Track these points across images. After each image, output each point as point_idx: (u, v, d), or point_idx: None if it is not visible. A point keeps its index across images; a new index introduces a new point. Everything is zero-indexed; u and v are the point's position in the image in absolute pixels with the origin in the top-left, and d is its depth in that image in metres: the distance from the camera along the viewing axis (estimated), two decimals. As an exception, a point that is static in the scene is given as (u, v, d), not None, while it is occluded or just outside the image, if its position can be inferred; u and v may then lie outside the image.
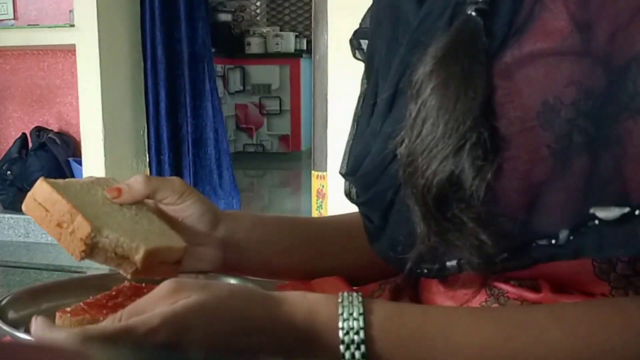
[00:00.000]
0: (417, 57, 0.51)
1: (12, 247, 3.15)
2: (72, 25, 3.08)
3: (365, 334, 0.46)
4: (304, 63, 6.08)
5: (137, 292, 0.59)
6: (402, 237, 0.54)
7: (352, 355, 0.46)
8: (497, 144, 0.46)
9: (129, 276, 0.55)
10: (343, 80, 2.41)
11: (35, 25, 3.25)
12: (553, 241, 0.46)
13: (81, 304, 0.55)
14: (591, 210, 0.44)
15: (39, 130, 3.37)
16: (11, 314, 0.56)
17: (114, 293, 0.59)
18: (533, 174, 0.46)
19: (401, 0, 0.59)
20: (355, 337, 0.46)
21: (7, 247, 3.15)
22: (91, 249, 0.54)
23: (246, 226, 0.66)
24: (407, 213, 0.51)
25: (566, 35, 0.45)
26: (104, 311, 0.53)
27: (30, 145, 3.37)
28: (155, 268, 0.56)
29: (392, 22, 0.61)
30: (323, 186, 2.51)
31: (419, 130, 0.48)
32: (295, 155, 6.23)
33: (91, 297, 0.58)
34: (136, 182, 0.61)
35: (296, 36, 6.44)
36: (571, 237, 0.45)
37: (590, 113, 0.44)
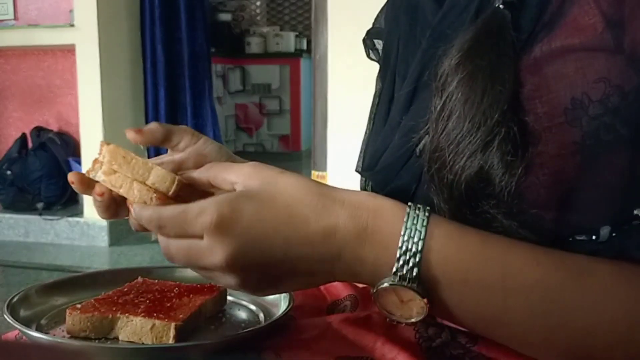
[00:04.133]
0: (442, 50, 0.50)
1: (12, 247, 3.15)
2: (72, 25, 3.07)
3: (424, 244, 0.45)
4: (304, 63, 6.07)
5: (148, 288, 0.59)
6: None
7: (406, 261, 0.45)
8: (527, 139, 0.46)
9: (102, 177, 0.53)
10: (343, 80, 2.41)
11: (35, 25, 3.25)
12: (593, 237, 0.46)
13: (92, 300, 0.55)
14: (635, 212, 0.44)
15: (38, 130, 3.37)
16: (22, 312, 0.57)
17: (125, 289, 0.59)
18: (562, 170, 0.45)
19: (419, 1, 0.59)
20: (414, 247, 0.45)
21: (7, 247, 3.15)
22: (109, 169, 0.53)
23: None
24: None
25: (599, 32, 0.45)
26: (114, 308, 0.53)
27: (30, 145, 3.37)
28: (131, 186, 0.53)
29: (409, 20, 0.61)
30: (323, 186, 2.51)
31: (444, 125, 0.48)
32: (295, 155, 6.22)
33: (102, 294, 0.58)
34: (152, 125, 0.62)
35: (296, 36, 6.44)
36: (613, 234, 0.45)
37: (619, 110, 0.44)
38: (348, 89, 2.41)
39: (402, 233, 0.45)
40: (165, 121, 3.44)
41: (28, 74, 3.48)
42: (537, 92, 0.46)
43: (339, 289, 0.70)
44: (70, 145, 3.38)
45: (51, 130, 3.39)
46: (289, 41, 6.29)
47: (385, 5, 0.68)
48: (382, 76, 0.67)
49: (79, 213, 3.22)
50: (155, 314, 0.52)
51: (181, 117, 3.53)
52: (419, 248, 0.45)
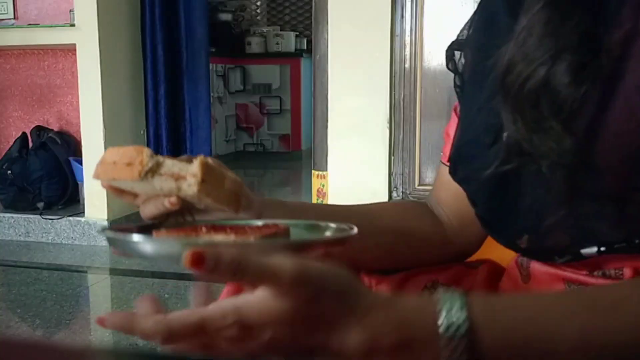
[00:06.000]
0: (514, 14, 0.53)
1: (13, 247, 3.16)
2: (73, 25, 3.08)
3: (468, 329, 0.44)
4: (304, 62, 6.08)
5: (222, 227, 0.59)
6: (522, 221, 0.57)
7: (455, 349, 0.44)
8: (601, 62, 0.48)
9: (195, 189, 0.55)
10: (343, 80, 2.41)
11: (36, 25, 3.25)
12: None
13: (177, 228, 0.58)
14: None
15: (39, 130, 3.37)
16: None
17: (208, 225, 0.59)
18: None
19: (497, 13, 0.61)
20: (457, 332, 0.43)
21: (8, 247, 3.15)
22: (151, 171, 0.55)
23: (273, 204, 0.67)
24: (524, 191, 0.53)
25: None
26: (197, 231, 0.55)
27: (30, 144, 3.37)
28: (218, 193, 0.56)
29: (486, 31, 0.64)
30: (323, 185, 2.51)
31: (524, 41, 0.51)
32: (295, 155, 6.23)
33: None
34: (182, 158, 0.61)
35: (296, 36, 6.44)
36: None
37: None
38: (348, 89, 2.41)
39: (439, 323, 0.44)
40: (165, 120, 3.44)
41: (28, 74, 3.48)
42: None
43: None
44: (70, 145, 3.38)
45: (52, 130, 3.40)
46: (289, 41, 6.30)
47: (470, 18, 0.70)
48: (460, 88, 0.70)
49: (80, 213, 3.22)
50: (234, 234, 0.54)
51: (180, 117, 3.54)
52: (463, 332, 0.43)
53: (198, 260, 0.41)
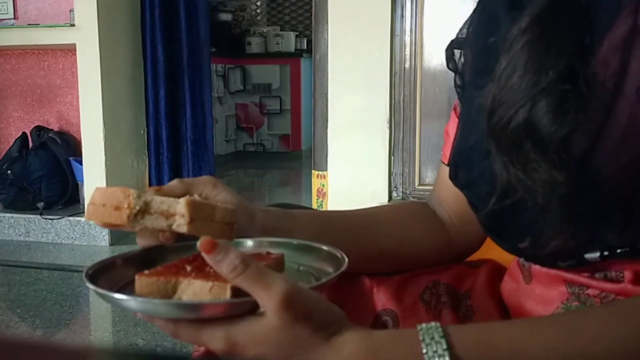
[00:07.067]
0: (514, 14, 0.53)
1: (13, 247, 3.16)
2: (73, 25, 3.08)
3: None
4: (304, 62, 6.08)
5: None
6: (521, 228, 0.57)
7: None
8: (587, 98, 0.48)
9: (185, 228, 0.56)
10: (343, 80, 2.41)
11: (36, 25, 3.25)
12: None
13: (159, 267, 0.57)
14: None
15: (39, 130, 3.37)
16: (101, 283, 0.57)
17: (191, 258, 0.60)
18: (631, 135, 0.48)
19: (497, 12, 0.61)
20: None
21: (8, 247, 3.15)
22: (140, 212, 0.56)
23: (277, 215, 0.67)
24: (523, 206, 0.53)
25: None
26: (178, 273, 0.55)
27: (30, 144, 3.37)
28: (209, 226, 0.57)
29: (486, 31, 0.63)
30: (323, 185, 2.51)
31: (506, 81, 0.51)
32: (295, 155, 6.23)
33: (170, 262, 0.59)
34: (172, 183, 0.63)
35: (296, 36, 6.44)
36: None
37: None
38: (348, 89, 2.41)
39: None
40: (165, 121, 3.44)
41: (28, 74, 3.48)
42: (624, 70, 0.48)
43: (382, 301, 0.72)
44: (70, 145, 3.38)
45: (52, 130, 3.40)
46: (289, 41, 6.30)
47: (470, 16, 0.69)
48: (460, 87, 0.70)
49: (80, 212, 3.22)
50: (214, 278, 0.53)
51: (180, 117, 3.54)
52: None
53: (210, 247, 0.47)
